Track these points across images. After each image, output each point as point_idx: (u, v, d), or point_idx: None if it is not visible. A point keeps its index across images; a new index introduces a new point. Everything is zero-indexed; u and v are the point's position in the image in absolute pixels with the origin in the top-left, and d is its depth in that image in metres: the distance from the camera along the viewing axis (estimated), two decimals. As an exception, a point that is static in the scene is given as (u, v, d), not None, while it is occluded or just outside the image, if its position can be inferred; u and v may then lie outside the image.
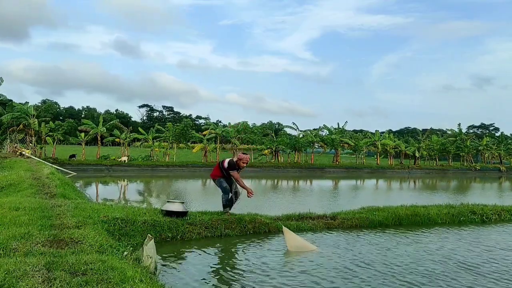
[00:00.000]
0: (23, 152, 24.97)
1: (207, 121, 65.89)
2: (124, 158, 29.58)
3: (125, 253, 4.68)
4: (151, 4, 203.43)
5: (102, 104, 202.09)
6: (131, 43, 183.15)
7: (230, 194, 7.99)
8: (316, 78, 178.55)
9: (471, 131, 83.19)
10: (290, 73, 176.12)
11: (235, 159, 8.01)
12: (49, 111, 34.34)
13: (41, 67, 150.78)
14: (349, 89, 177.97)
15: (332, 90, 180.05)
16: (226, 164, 7.93)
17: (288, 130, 41.37)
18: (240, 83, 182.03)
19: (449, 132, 53.42)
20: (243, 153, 8.18)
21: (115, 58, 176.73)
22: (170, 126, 35.22)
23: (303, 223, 8.11)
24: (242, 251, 6.46)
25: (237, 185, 8.07)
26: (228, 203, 7.99)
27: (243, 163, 7.91)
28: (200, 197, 15.79)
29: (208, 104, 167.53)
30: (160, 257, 5.67)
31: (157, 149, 34.22)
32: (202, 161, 33.43)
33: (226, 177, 8.00)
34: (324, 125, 41.61)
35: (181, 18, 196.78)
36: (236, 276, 5.21)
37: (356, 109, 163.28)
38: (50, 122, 31.32)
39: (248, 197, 7.76)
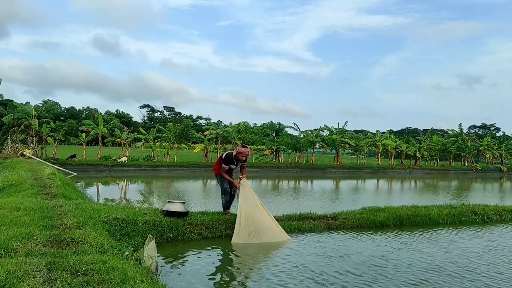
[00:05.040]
0: (24, 153, 25.05)
1: (208, 121, 65.94)
2: (124, 159, 29.58)
3: (126, 253, 4.68)
4: (150, 4, 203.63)
5: (94, 103, 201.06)
6: (127, 43, 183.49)
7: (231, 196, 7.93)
8: (316, 78, 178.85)
9: (472, 131, 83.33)
10: (290, 74, 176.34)
11: (234, 153, 7.79)
12: (50, 112, 34.35)
13: (27, 66, 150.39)
14: (349, 89, 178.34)
15: (332, 91, 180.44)
16: (223, 157, 7.78)
17: (289, 130, 41.35)
18: (238, 84, 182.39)
19: (450, 132, 53.42)
20: (243, 146, 7.85)
21: (108, 57, 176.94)
22: (171, 126, 35.22)
23: (304, 224, 8.10)
24: (243, 251, 6.45)
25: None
26: (227, 205, 7.93)
27: (242, 156, 7.67)
28: (201, 197, 15.77)
29: (205, 104, 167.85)
30: (161, 258, 5.67)
31: (158, 149, 34.23)
32: (203, 161, 33.43)
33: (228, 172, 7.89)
34: (325, 125, 41.57)
35: (181, 18, 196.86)
36: (237, 277, 5.22)
37: (357, 110, 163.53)
38: (51, 123, 31.34)
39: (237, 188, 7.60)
